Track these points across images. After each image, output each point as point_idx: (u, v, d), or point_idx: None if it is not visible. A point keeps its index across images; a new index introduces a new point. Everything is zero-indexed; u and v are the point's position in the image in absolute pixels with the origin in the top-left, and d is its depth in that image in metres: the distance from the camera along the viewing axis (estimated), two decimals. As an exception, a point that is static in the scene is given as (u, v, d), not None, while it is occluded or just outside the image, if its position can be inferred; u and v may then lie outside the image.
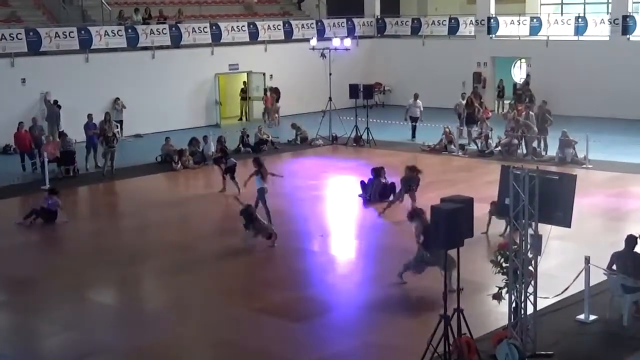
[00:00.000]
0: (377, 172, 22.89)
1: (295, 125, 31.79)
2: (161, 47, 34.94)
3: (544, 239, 12.21)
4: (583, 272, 13.76)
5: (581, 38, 37.29)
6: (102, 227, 21.31)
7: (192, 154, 27.88)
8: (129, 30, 33.90)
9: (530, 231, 12.02)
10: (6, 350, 13.64)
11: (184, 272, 17.09)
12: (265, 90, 37.40)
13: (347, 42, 33.28)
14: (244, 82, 38.15)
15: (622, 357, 12.48)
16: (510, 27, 39.24)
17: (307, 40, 35.55)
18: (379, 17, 43.44)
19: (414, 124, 31.77)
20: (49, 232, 20.57)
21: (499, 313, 13.43)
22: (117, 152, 26.48)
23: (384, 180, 22.67)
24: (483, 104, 33.38)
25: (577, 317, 13.80)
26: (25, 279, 16.93)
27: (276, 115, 36.43)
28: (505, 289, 12.58)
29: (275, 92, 37.19)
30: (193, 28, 35.90)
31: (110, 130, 26.74)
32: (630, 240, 13.99)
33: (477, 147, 29.09)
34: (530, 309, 12.29)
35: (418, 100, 31.78)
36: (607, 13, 38.16)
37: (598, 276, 14.21)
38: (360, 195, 22.87)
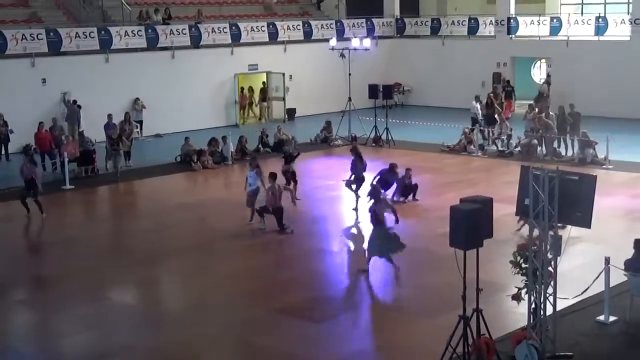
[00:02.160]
0: (355, 149, 22.48)
1: (329, 125, 31.82)
2: (181, 47, 35.06)
3: (563, 239, 12.16)
4: (603, 272, 13.69)
5: (601, 38, 37.08)
6: (122, 227, 21.40)
7: (212, 154, 27.97)
8: (149, 31, 34.05)
9: (550, 232, 11.98)
10: (27, 348, 13.74)
11: (203, 272, 17.16)
12: (242, 88, 37.50)
13: (367, 42, 33.19)
14: (264, 83, 38.22)
15: (643, 359, 12.44)
16: (530, 27, 39.10)
17: (327, 40, 35.57)
18: (398, 17, 43.39)
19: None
20: (69, 232, 20.69)
21: (518, 314, 13.40)
22: (119, 155, 26.51)
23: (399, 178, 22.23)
24: (503, 104, 33.25)
25: (597, 318, 13.74)
26: (46, 278, 17.05)
27: (265, 112, 37.38)
28: (525, 289, 12.53)
29: (262, 92, 37.61)
30: (213, 28, 36.01)
31: (115, 132, 26.82)
32: (639, 243, 13.91)
33: (497, 147, 29.00)
34: (549, 310, 12.24)
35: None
36: (628, 13, 37.98)
37: (618, 277, 14.14)
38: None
